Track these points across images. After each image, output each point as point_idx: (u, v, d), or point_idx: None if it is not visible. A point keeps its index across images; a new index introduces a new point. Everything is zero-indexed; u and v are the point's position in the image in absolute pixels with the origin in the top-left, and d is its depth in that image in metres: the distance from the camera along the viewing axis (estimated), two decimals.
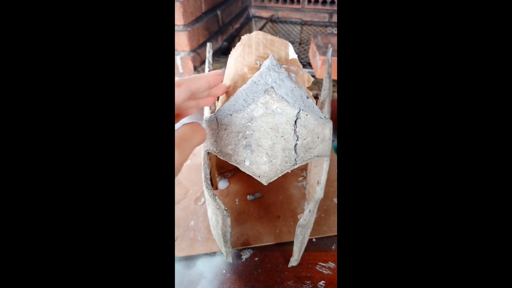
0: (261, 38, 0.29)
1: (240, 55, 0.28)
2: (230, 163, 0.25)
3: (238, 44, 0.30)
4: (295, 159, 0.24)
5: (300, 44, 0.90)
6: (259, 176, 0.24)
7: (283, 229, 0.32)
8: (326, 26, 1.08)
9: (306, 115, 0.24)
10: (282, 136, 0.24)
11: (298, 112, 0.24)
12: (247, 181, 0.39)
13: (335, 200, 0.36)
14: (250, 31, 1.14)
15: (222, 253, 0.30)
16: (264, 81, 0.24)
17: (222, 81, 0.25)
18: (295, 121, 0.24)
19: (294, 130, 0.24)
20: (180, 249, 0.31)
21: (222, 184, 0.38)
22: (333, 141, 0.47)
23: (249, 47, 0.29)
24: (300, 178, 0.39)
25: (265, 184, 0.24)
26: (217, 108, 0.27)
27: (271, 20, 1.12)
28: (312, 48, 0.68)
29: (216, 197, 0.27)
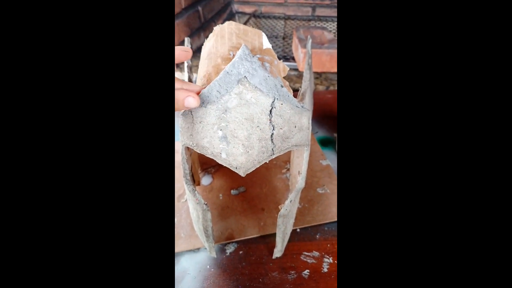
0: (234, 28, 0.29)
1: (213, 46, 0.28)
2: (208, 156, 0.24)
3: (210, 35, 0.30)
4: (272, 149, 0.24)
5: (284, 38, 0.90)
6: (236, 168, 0.24)
7: (268, 221, 0.32)
8: (309, 20, 1.08)
9: (281, 104, 0.24)
10: (258, 126, 0.23)
11: (273, 102, 0.24)
12: (231, 176, 0.38)
13: (319, 190, 0.36)
14: None
15: (206, 248, 0.29)
16: (237, 71, 0.23)
17: (189, 58, 0.25)
18: (270, 111, 0.24)
19: (270, 119, 0.24)
20: None
21: (206, 180, 0.38)
22: (317, 132, 0.47)
23: (221, 38, 0.28)
24: (284, 170, 0.39)
25: (243, 175, 0.24)
26: None
27: (254, 15, 1.11)
28: (295, 42, 0.68)
29: (196, 192, 0.26)
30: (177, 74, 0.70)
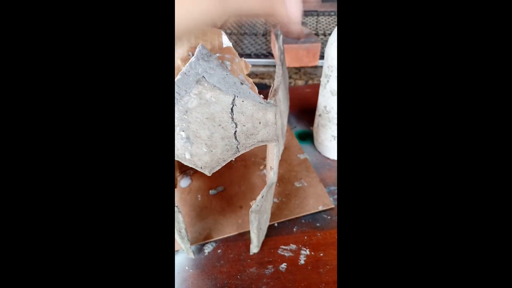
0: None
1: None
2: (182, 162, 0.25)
3: None
4: (237, 146, 0.24)
5: (264, 35, 0.90)
6: (201, 168, 0.24)
7: (245, 219, 0.33)
8: None
9: (242, 101, 0.24)
10: (220, 125, 0.24)
11: (233, 99, 0.24)
12: (209, 177, 0.39)
13: (296, 183, 0.36)
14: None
15: (184, 250, 0.30)
16: (195, 71, 0.23)
17: None
18: (231, 109, 0.24)
19: (232, 117, 0.24)
20: None
21: (184, 182, 0.38)
22: (295, 127, 0.47)
23: (179, 40, 0.28)
24: (262, 167, 0.40)
25: (209, 174, 0.24)
26: None
27: None
28: (273, 38, 0.68)
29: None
30: None
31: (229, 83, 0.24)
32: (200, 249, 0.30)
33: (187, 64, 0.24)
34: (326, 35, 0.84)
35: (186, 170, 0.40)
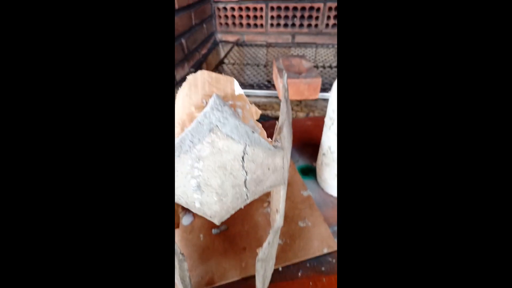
0: (206, 77, 0.30)
1: (187, 94, 0.29)
2: (183, 205, 0.24)
3: (184, 84, 0.31)
4: (246, 194, 0.25)
5: (265, 66, 0.93)
6: (210, 217, 0.24)
7: (249, 262, 0.32)
8: (290, 47, 1.14)
9: (253, 149, 0.25)
10: (231, 173, 0.24)
11: (244, 148, 0.24)
12: None
13: (300, 223, 0.36)
14: (217, 56, 1.17)
15: None
16: (209, 120, 0.24)
17: None
18: (242, 157, 0.24)
19: (242, 165, 0.24)
20: None
21: (186, 220, 0.37)
22: (297, 161, 0.48)
23: (195, 87, 0.29)
24: (265, 205, 0.39)
25: (218, 224, 0.24)
26: None
27: (237, 44, 1.16)
28: (274, 71, 0.71)
29: (176, 242, 0.26)
30: None
31: (241, 132, 0.24)
32: None
33: (202, 114, 0.25)
34: (326, 67, 0.88)
35: None
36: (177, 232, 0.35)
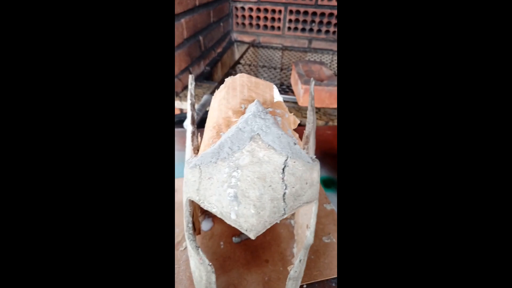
0: (246, 81, 0.29)
1: (224, 97, 0.27)
2: (215, 214, 0.23)
3: (222, 86, 0.30)
4: (284, 209, 0.23)
5: (281, 69, 0.92)
6: (246, 230, 0.23)
7: (272, 276, 0.30)
8: (306, 52, 1.12)
9: (294, 162, 0.23)
10: (270, 186, 0.23)
11: (286, 160, 0.23)
12: None
13: (325, 239, 0.35)
14: (232, 56, 1.16)
15: None
16: (250, 128, 0.23)
17: None
18: (283, 169, 0.23)
19: (282, 178, 0.23)
20: None
21: (206, 225, 0.36)
22: None
23: (233, 90, 0.28)
24: (288, 216, 0.38)
25: (253, 238, 0.23)
26: (199, 152, 0.25)
27: (253, 45, 1.15)
28: (294, 76, 0.70)
29: (200, 250, 0.24)
30: (176, 103, 0.70)
31: (283, 143, 0.23)
32: None
33: (243, 120, 0.23)
34: None
35: (206, 211, 0.38)
36: (197, 239, 0.34)
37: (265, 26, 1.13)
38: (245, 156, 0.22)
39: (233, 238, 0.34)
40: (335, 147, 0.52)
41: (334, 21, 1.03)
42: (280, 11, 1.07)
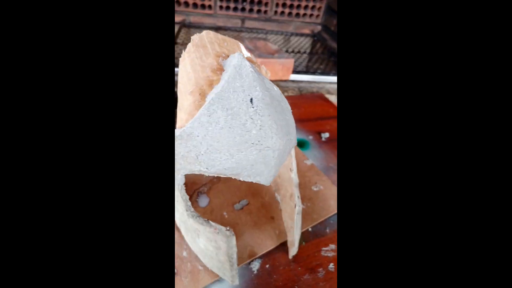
0: (213, 38, 0.27)
1: (197, 57, 0.26)
2: (221, 175, 0.22)
3: (189, 45, 0.27)
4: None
5: None
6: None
7: (281, 228, 0.33)
8: (240, 31, 1.13)
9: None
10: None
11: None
12: (227, 191, 0.36)
13: (314, 188, 0.39)
14: None
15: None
16: (240, 84, 0.22)
17: None
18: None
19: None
20: (184, 287, 0.26)
21: (202, 202, 0.35)
22: None
23: (204, 48, 0.27)
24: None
25: (268, 184, 0.23)
26: (182, 122, 0.23)
27: (184, 25, 1.07)
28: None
29: (211, 222, 0.24)
30: None
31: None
32: (246, 268, 0.28)
33: (229, 76, 0.22)
34: (296, 52, 0.93)
35: (199, 188, 0.36)
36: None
37: (195, 5, 1.07)
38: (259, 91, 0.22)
39: (235, 206, 0.35)
40: (300, 114, 0.57)
41: (264, 0, 1.07)
42: None
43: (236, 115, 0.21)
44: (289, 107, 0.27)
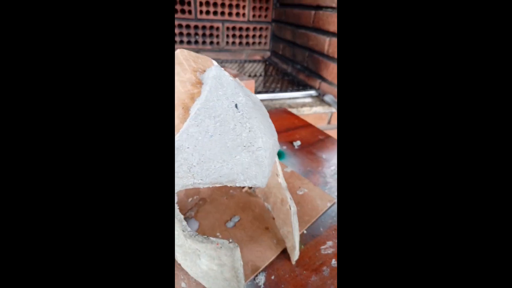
0: (187, 55, 0.29)
1: (176, 73, 0.27)
2: (217, 184, 0.22)
3: None
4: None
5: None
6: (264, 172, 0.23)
7: (278, 236, 0.32)
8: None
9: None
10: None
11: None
12: (216, 211, 0.35)
13: (299, 192, 0.40)
14: None
15: None
16: (224, 93, 0.24)
17: None
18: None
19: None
20: None
21: (192, 226, 0.33)
22: None
23: (180, 64, 0.28)
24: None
25: (263, 186, 0.24)
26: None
27: None
28: None
29: (211, 238, 0.23)
30: None
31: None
32: (251, 285, 0.27)
33: (210, 87, 0.24)
34: (252, 76, 0.98)
35: (186, 213, 0.34)
36: None
37: None
38: (242, 97, 0.23)
39: (227, 224, 0.33)
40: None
41: (215, 32, 1.14)
42: None
43: (224, 121, 0.22)
44: (267, 112, 0.28)
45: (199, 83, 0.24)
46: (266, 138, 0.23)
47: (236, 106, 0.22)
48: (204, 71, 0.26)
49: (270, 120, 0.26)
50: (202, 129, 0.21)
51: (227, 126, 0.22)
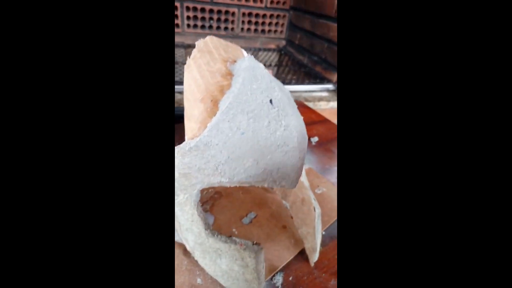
0: (217, 43, 0.27)
1: (204, 62, 0.25)
2: (246, 184, 0.21)
3: (194, 51, 0.26)
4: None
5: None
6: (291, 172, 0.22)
7: (296, 236, 0.31)
8: None
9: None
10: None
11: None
12: (232, 205, 0.34)
13: (317, 190, 0.39)
14: None
15: None
16: (258, 86, 0.22)
17: None
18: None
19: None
20: None
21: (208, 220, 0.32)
22: None
23: (209, 53, 0.26)
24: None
25: (294, 187, 0.23)
26: (193, 132, 0.21)
27: None
28: None
29: (235, 238, 0.22)
30: None
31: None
32: (270, 284, 0.26)
33: (244, 79, 0.22)
34: (266, 66, 0.95)
35: (202, 206, 0.34)
36: None
37: None
38: (277, 90, 0.22)
39: (243, 220, 0.32)
40: None
41: (231, 18, 1.10)
42: (176, 7, 1.02)
43: (258, 117, 0.20)
44: (296, 106, 0.26)
45: (229, 74, 0.23)
46: (301, 138, 0.22)
47: (270, 101, 0.21)
48: (235, 61, 0.24)
49: (302, 117, 0.24)
50: (234, 125, 0.20)
51: (260, 123, 0.20)
